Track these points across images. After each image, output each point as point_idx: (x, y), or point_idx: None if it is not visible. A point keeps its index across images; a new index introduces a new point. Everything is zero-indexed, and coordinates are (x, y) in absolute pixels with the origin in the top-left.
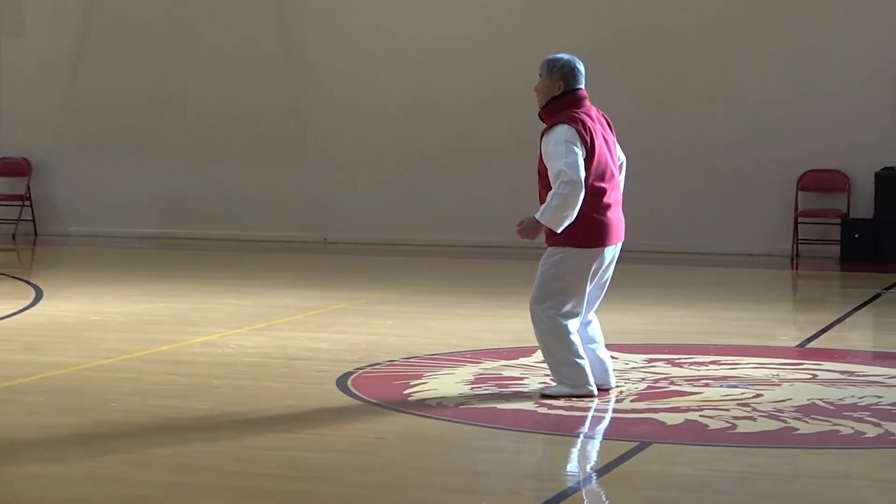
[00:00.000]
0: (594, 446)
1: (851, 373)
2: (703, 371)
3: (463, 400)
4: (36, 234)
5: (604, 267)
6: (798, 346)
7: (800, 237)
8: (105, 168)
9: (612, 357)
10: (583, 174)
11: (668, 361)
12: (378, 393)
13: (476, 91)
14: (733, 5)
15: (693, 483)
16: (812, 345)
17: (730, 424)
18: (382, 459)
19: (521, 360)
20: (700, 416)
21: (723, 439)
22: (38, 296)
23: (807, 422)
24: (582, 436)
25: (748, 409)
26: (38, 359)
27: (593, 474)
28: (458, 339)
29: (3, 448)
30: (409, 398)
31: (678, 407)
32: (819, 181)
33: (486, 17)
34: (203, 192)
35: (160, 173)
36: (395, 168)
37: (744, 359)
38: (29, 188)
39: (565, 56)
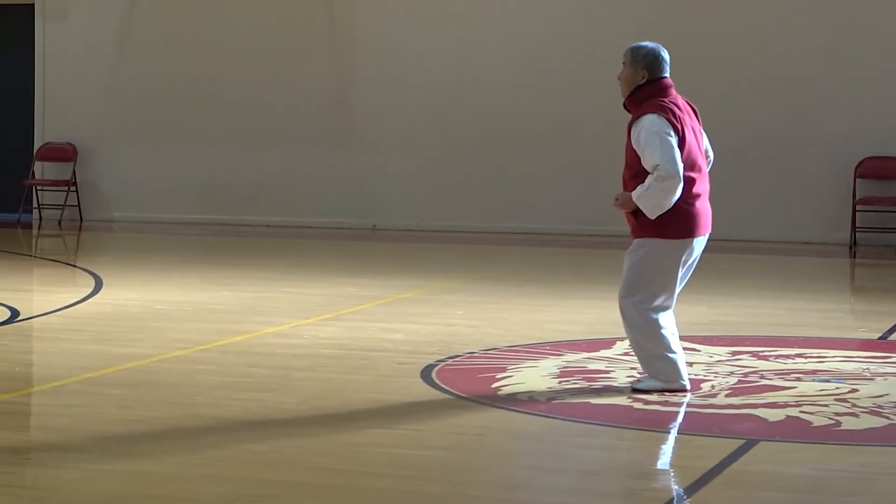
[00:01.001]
0: (701, 443)
1: None
2: (790, 364)
3: (554, 394)
4: (81, 219)
5: (693, 258)
6: (880, 338)
7: (858, 225)
8: (150, 153)
9: (695, 350)
10: (681, 167)
11: (753, 354)
12: (465, 386)
13: (523, 73)
14: None
15: (811, 483)
16: (893, 337)
17: (833, 421)
18: (486, 457)
19: (603, 353)
20: (800, 412)
21: (830, 437)
22: (98, 284)
23: None
24: (686, 433)
25: (847, 404)
26: (113, 349)
27: (708, 474)
28: (532, 329)
29: (95, 443)
30: (499, 392)
31: (775, 402)
32: (877, 168)
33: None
34: (248, 177)
35: (204, 158)
36: (441, 153)
37: (829, 352)
38: (74, 173)
39: (650, 44)
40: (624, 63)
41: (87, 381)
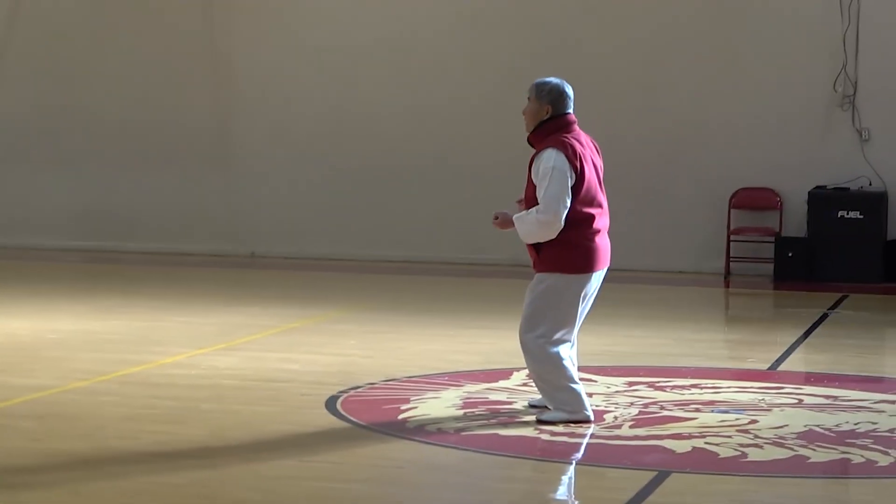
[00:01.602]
0: (614, 475)
1: (835, 397)
2: (687, 395)
3: (461, 426)
4: None
5: (592, 292)
6: (769, 368)
7: (732, 255)
8: (24, 180)
9: (592, 380)
10: (565, 207)
11: (649, 385)
12: (373, 418)
13: (401, 102)
14: (662, 25)
15: None
16: (782, 367)
17: (739, 453)
18: (407, 490)
19: (502, 383)
20: (706, 443)
21: (739, 468)
22: None
23: (814, 450)
24: (597, 464)
25: (750, 436)
26: (12, 380)
27: None
28: (429, 360)
29: (8, 475)
30: (406, 423)
31: (680, 434)
32: (751, 199)
33: (408, 27)
34: (125, 203)
35: (81, 184)
36: (321, 180)
37: (723, 382)
38: None
39: (554, 79)
40: (529, 98)
41: None
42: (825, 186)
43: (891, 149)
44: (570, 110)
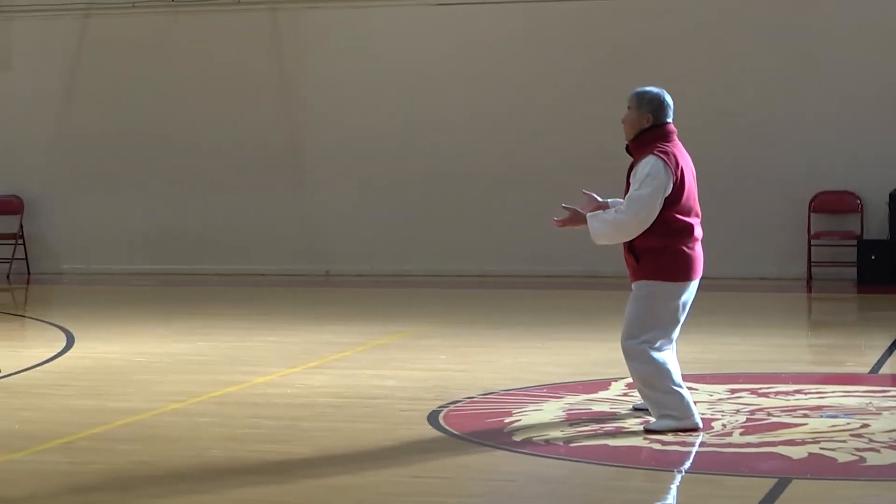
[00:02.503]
0: (734, 483)
1: None
2: (792, 401)
3: (569, 437)
4: (29, 272)
5: (689, 301)
6: (870, 371)
7: (814, 259)
8: (98, 203)
9: (693, 388)
10: (649, 213)
11: (752, 391)
12: (478, 431)
13: (468, 115)
14: (737, 27)
15: None
16: (882, 370)
17: (858, 457)
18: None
19: (602, 394)
20: (821, 448)
21: (859, 473)
22: (70, 337)
23: None
24: (715, 472)
25: (864, 440)
26: (109, 404)
27: None
28: (522, 373)
29: (124, 497)
30: (513, 436)
31: (793, 440)
32: (831, 202)
33: (472, 39)
34: (197, 225)
35: (153, 207)
36: (391, 196)
37: (826, 387)
38: (21, 226)
39: (654, 89)
40: (629, 107)
41: (96, 436)
42: None
43: None
44: (670, 120)
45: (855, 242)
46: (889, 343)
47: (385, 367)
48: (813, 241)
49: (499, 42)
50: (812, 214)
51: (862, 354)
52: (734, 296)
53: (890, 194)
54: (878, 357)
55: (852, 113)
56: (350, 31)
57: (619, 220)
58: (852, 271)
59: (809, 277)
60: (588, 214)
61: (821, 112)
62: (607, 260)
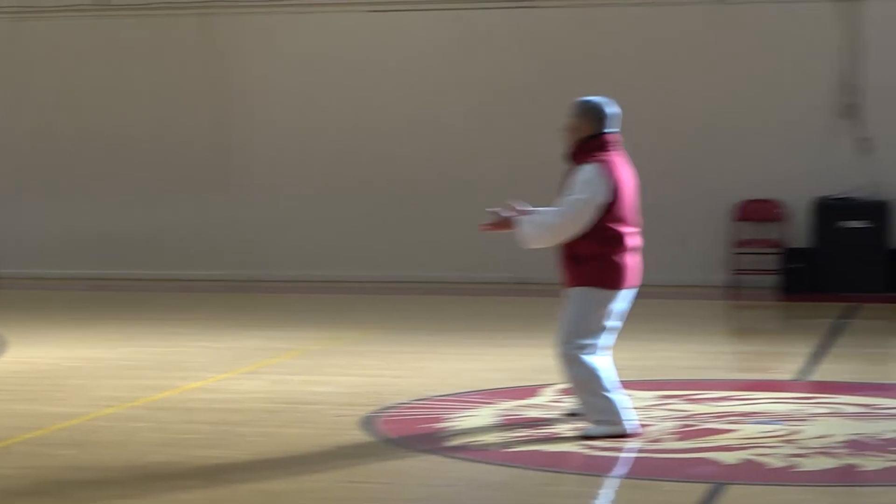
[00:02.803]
0: (670, 488)
1: (871, 406)
2: (722, 407)
3: (504, 443)
4: None
5: (623, 309)
6: (797, 378)
7: (737, 267)
8: (33, 208)
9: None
10: (581, 219)
11: (683, 398)
12: (414, 437)
13: (407, 123)
14: (665, 39)
15: None
16: (809, 377)
17: (789, 463)
18: None
19: (534, 400)
20: (753, 454)
21: (792, 479)
22: (2, 342)
23: (864, 459)
24: (650, 478)
25: (795, 446)
26: (43, 409)
27: None
28: (455, 379)
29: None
30: (448, 442)
31: (725, 446)
32: (755, 211)
33: (414, 47)
34: (133, 230)
35: (89, 212)
36: (326, 203)
37: (755, 393)
38: None
39: (597, 98)
40: (571, 115)
41: (34, 441)
42: (829, 196)
43: (894, 157)
44: (612, 129)
45: (778, 250)
46: (814, 350)
47: (318, 372)
48: (736, 249)
49: (436, 49)
50: (736, 223)
51: (788, 361)
52: (659, 303)
53: (812, 203)
54: (803, 364)
55: (777, 122)
56: (287, 38)
57: (550, 223)
58: (775, 279)
59: (733, 285)
60: (518, 219)
61: (745, 122)
62: (537, 267)
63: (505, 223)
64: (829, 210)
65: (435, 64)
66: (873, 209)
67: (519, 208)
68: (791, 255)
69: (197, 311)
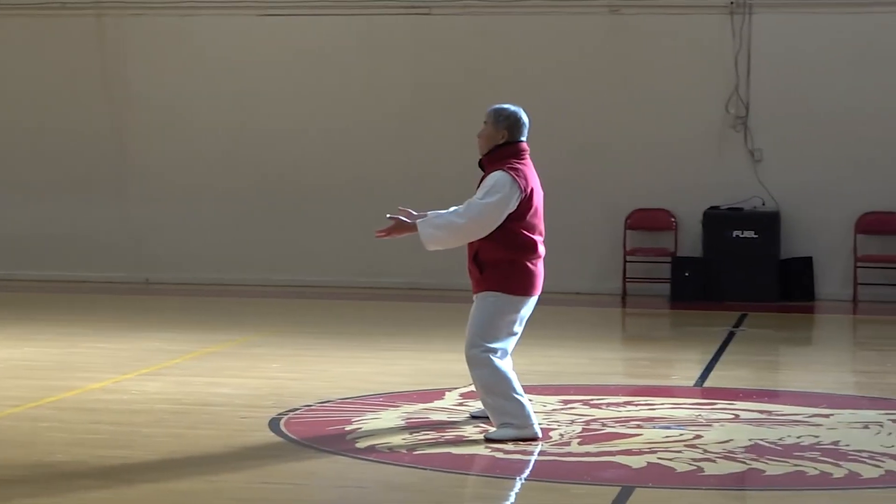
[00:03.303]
0: (579, 491)
1: (769, 412)
2: (624, 412)
3: (411, 445)
4: None
5: (527, 316)
6: (695, 384)
7: (629, 276)
8: None
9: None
10: (490, 221)
11: (584, 403)
12: (321, 439)
13: (298, 126)
14: (565, 48)
15: None
16: (707, 384)
17: (695, 467)
18: None
19: (438, 404)
20: (658, 458)
21: (699, 482)
22: None
23: (766, 463)
24: (560, 480)
25: (699, 451)
26: None
27: None
28: (356, 382)
29: None
30: (356, 443)
31: (630, 450)
32: (646, 220)
33: (307, 49)
34: (20, 230)
35: None
36: (217, 205)
37: (656, 399)
38: None
39: (511, 106)
40: (486, 122)
41: None
42: (719, 207)
43: (782, 169)
44: (525, 138)
45: (669, 259)
46: (710, 357)
47: (219, 374)
48: (628, 258)
49: (329, 54)
50: (628, 231)
51: (683, 368)
52: (554, 310)
53: (703, 213)
54: (701, 371)
55: (669, 134)
56: (177, 39)
57: (454, 224)
58: (666, 287)
59: (624, 293)
60: (419, 220)
61: (639, 133)
62: (431, 272)
63: (403, 227)
64: (720, 220)
65: (329, 69)
66: (763, 219)
67: (416, 215)
68: (682, 264)
69: (91, 312)
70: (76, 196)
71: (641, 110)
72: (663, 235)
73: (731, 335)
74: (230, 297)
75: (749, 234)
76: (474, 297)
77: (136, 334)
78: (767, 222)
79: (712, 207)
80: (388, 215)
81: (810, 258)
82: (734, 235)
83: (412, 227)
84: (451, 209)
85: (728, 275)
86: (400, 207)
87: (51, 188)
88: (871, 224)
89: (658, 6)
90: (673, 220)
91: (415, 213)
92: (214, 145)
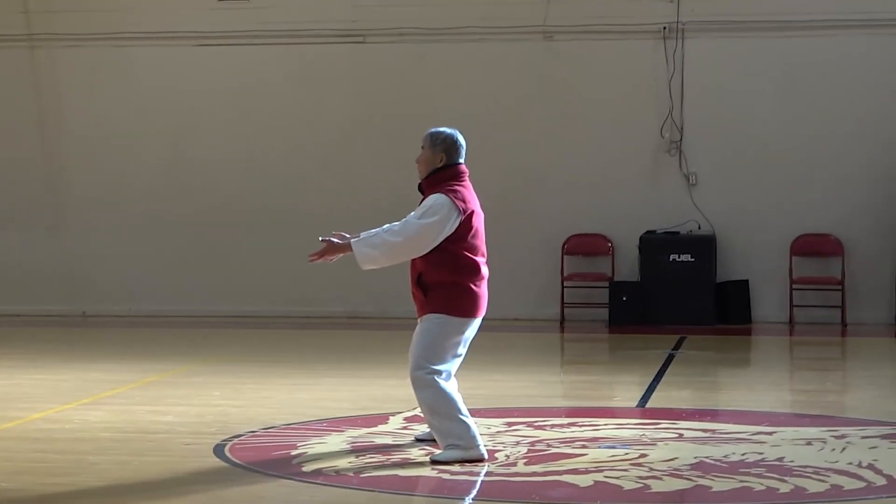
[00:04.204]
0: None
1: (713, 430)
2: (569, 433)
3: (358, 468)
4: None
5: (470, 337)
6: (638, 405)
7: (567, 301)
8: None
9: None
10: (424, 242)
11: (528, 424)
12: (268, 464)
13: (235, 155)
14: (503, 74)
15: None
16: (649, 404)
17: (642, 485)
18: None
19: (382, 427)
20: (605, 477)
21: (646, 499)
22: None
23: (713, 479)
24: (508, 500)
25: (645, 469)
26: None
27: None
28: (298, 408)
29: None
30: (303, 467)
31: (577, 469)
32: (583, 245)
33: (243, 79)
34: None
35: None
36: (153, 236)
37: (599, 420)
38: None
39: (448, 130)
40: (423, 146)
41: None
42: (655, 231)
43: (717, 192)
44: (462, 160)
45: (607, 284)
46: (650, 379)
47: (160, 402)
48: (566, 283)
49: (264, 83)
50: (565, 257)
51: (623, 390)
52: (493, 335)
53: (640, 237)
54: (642, 392)
55: (605, 159)
56: (112, 70)
57: (388, 243)
58: (604, 312)
59: (563, 318)
60: (353, 240)
61: (575, 158)
62: (370, 301)
63: (335, 249)
64: (657, 244)
65: (265, 98)
66: (699, 243)
67: (348, 237)
68: (619, 289)
69: (28, 344)
70: (9, 228)
71: (577, 135)
72: (600, 260)
73: (670, 357)
74: (169, 328)
75: (685, 257)
76: (419, 319)
77: (76, 365)
78: (703, 246)
79: (648, 232)
80: (320, 238)
81: (746, 281)
82: (671, 259)
83: (345, 248)
84: (386, 227)
85: (665, 298)
86: (336, 232)
87: None
88: (805, 246)
89: (592, 31)
90: (610, 244)
91: (347, 235)
92: (151, 176)
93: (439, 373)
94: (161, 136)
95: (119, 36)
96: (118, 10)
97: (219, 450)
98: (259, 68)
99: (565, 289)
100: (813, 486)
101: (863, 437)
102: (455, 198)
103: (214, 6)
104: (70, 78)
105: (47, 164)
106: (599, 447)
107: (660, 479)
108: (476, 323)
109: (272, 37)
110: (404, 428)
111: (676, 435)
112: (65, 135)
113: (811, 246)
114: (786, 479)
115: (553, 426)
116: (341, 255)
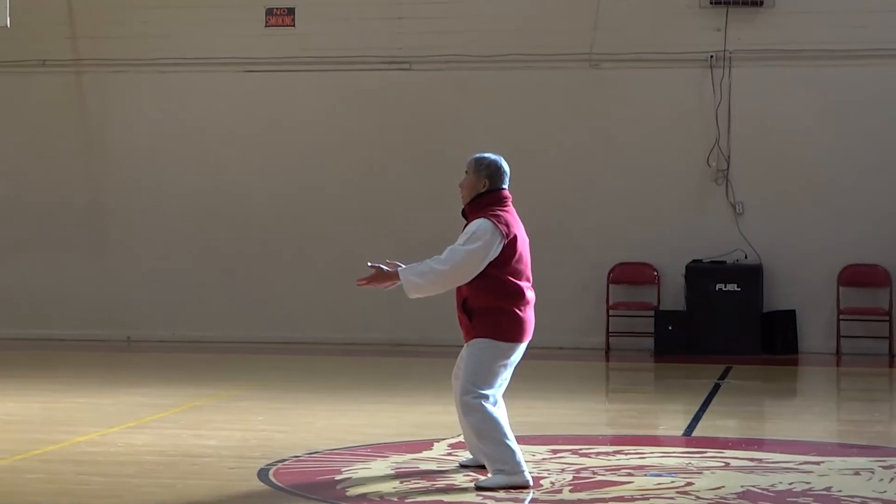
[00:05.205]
0: None
1: (760, 460)
2: (614, 461)
3: (403, 493)
4: None
5: (515, 362)
6: (684, 434)
7: (612, 330)
8: None
9: None
10: (470, 268)
11: (574, 452)
12: (311, 488)
13: (275, 183)
14: (543, 101)
15: None
16: (695, 433)
17: None
18: None
19: (426, 454)
20: None
21: None
22: None
23: None
24: None
25: (691, 497)
26: None
27: None
28: (341, 433)
29: None
30: (346, 492)
31: (623, 496)
32: (629, 274)
33: (282, 110)
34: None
35: None
36: (195, 262)
37: (644, 448)
38: None
39: (492, 155)
40: (467, 171)
41: None
42: (701, 260)
43: (764, 221)
44: (506, 186)
45: (652, 313)
46: (696, 408)
47: (205, 427)
48: (611, 312)
49: (308, 110)
50: (610, 286)
51: (669, 419)
52: (538, 363)
53: (686, 266)
54: (688, 421)
55: (651, 187)
56: (156, 95)
57: (435, 271)
58: (649, 341)
59: (608, 347)
60: (400, 269)
61: (620, 186)
62: (412, 328)
63: (384, 276)
64: (703, 273)
65: (309, 125)
66: (745, 272)
67: (397, 265)
68: (665, 318)
69: (73, 369)
70: (54, 254)
71: (623, 164)
72: (646, 289)
73: (716, 387)
74: (212, 353)
75: (732, 287)
76: (465, 344)
77: (120, 389)
78: (750, 275)
79: (695, 261)
80: (368, 263)
81: (793, 311)
82: (717, 289)
83: (394, 276)
84: (433, 258)
85: (711, 328)
86: (386, 260)
87: (29, 246)
88: (853, 276)
89: (638, 60)
90: (655, 273)
91: (398, 263)
92: (193, 201)
93: (486, 397)
94: (203, 162)
95: (164, 62)
96: (164, 35)
97: (263, 474)
98: (302, 94)
99: (611, 318)
100: None
101: None
102: (498, 222)
103: (261, 32)
104: (115, 103)
105: (91, 188)
106: (645, 475)
107: None
108: (522, 347)
109: (318, 63)
110: (449, 454)
111: (723, 464)
112: (109, 160)
113: (859, 276)
114: None
115: (598, 454)
116: (391, 284)
